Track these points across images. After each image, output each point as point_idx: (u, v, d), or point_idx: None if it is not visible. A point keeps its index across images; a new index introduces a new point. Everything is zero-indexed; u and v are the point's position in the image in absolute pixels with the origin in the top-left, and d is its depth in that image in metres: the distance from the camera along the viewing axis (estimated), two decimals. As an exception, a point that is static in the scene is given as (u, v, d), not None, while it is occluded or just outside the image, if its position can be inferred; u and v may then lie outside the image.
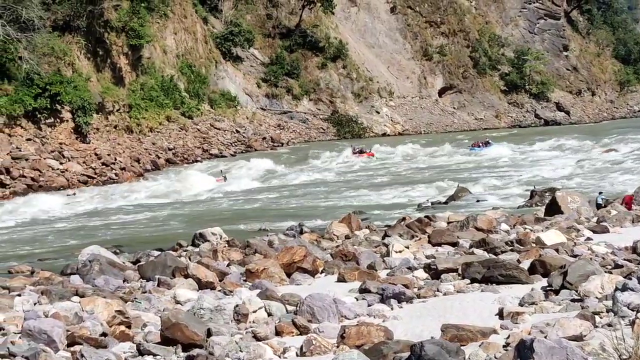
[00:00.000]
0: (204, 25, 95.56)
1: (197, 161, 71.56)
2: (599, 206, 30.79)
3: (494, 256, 19.98)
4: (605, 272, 16.17)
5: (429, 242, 23.51)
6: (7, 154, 53.80)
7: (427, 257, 21.10)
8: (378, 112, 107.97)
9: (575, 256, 18.88)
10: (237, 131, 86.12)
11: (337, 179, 56.29)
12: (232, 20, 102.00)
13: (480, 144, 73.63)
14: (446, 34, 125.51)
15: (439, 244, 23.01)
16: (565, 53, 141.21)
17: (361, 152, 71.44)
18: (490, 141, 74.83)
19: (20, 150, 54.97)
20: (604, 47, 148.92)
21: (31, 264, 25.91)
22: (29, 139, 56.94)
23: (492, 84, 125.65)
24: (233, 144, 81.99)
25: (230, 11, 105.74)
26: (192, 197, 48.89)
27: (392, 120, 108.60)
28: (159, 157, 68.57)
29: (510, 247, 21.54)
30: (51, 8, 64.38)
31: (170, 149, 71.94)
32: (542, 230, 23.73)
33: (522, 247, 21.26)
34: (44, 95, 58.03)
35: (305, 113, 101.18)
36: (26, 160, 54.15)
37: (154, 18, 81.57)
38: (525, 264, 18.16)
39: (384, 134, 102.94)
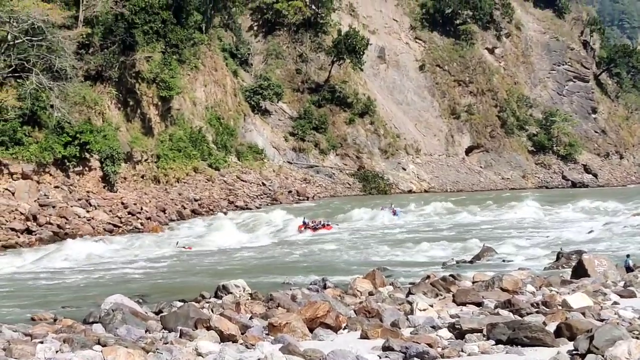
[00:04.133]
0: (233, 78, 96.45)
1: (222, 213, 71.58)
2: (628, 269, 30.44)
3: (519, 317, 19.74)
4: (633, 337, 15.91)
5: (454, 301, 23.27)
6: (35, 201, 54.19)
7: (452, 316, 20.86)
8: (404, 169, 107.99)
9: (602, 320, 18.62)
10: (263, 184, 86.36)
11: (359, 235, 56.07)
12: (261, 74, 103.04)
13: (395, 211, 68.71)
14: (474, 93, 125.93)
15: (464, 304, 22.77)
16: (593, 115, 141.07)
17: (315, 227, 58.16)
18: (396, 210, 69.66)
19: (47, 198, 55.33)
20: (633, 111, 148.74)
21: (54, 311, 25.91)
22: (56, 187, 57.33)
23: (519, 144, 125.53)
24: (259, 197, 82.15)
25: (260, 65, 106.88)
26: (215, 248, 48.85)
27: (418, 177, 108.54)
28: (184, 208, 68.77)
29: (536, 309, 21.26)
30: (84, 58, 65.27)
31: (196, 200, 72.16)
32: (569, 293, 23.46)
33: (548, 310, 20.99)
34: (74, 143, 58.59)
35: (331, 168, 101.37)
36: (53, 207, 54.48)
37: (184, 70, 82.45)
38: (551, 327, 17.90)
39: (410, 191, 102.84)
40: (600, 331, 15.39)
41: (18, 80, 56.64)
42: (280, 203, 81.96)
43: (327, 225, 59.26)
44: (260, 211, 72.74)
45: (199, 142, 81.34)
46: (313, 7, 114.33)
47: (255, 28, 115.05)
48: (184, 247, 48.47)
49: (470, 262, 39.28)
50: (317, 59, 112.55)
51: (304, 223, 58.68)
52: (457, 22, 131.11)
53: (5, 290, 33.39)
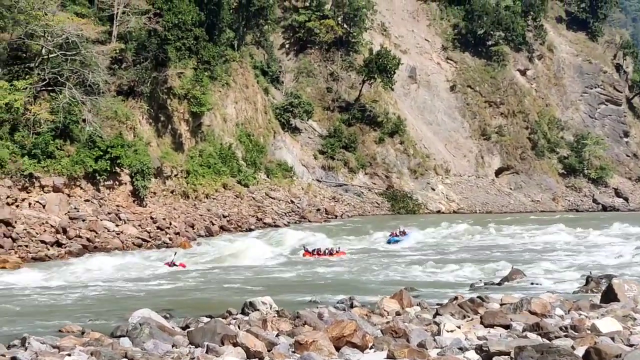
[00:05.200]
0: (264, 95, 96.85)
1: (250, 230, 71.73)
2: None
3: (547, 341, 19.54)
4: (663, 363, 15.71)
5: (481, 323, 23.09)
6: (65, 214, 54.60)
7: (479, 338, 20.72)
8: (433, 189, 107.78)
9: (631, 345, 18.41)
10: (292, 201, 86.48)
11: (387, 255, 55.91)
12: (292, 92, 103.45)
13: (399, 234, 65.35)
14: (505, 115, 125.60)
15: (492, 326, 22.59)
16: (625, 139, 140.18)
17: (319, 253, 54.74)
18: (406, 230, 66.91)
19: (78, 211, 55.73)
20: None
21: (82, 324, 26.02)
22: (87, 200, 57.74)
23: (550, 167, 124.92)
24: (287, 214, 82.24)
25: (291, 83, 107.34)
26: (244, 264, 48.89)
27: (447, 198, 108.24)
28: (213, 224, 68.98)
29: (565, 333, 21.04)
30: (117, 73, 65.85)
31: (224, 216, 72.38)
32: (598, 317, 23.22)
33: (576, 334, 20.77)
34: (105, 157, 59.02)
35: (360, 187, 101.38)
36: (83, 220, 54.86)
37: (216, 87, 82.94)
38: (580, 351, 17.71)
39: (439, 212, 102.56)
40: (629, 356, 15.24)
41: (51, 94, 57.24)
42: (309, 221, 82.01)
43: (337, 252, 55.04)
44: (288, 229, 72.78)
45: (229, 158, 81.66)
46: (345, 26, 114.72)
47: (287, 46, 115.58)
48: (175, 265, 46.25)
49: (499, 284, 39.02)
50: (348, 77, 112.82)
51: (306, 250, 55.66)
52: (489, 43, 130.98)
53: (34, 302, 33.61)
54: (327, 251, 54.96)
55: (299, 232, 67.44)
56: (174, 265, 45.97)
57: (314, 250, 55.40)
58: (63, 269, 44.26)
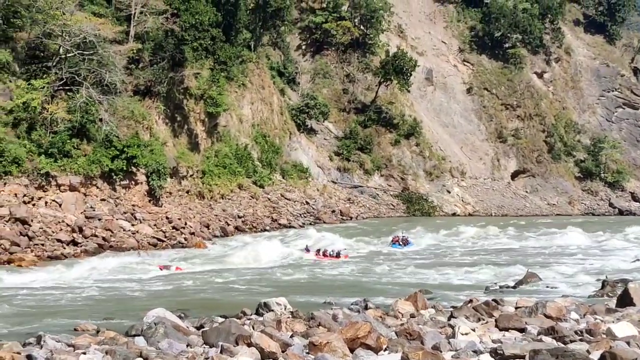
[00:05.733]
0: (280, 96, 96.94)
1: (265, 230, 71.80)
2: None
3: (562, 345, 19.48)
4: (679, 368, 15.63)
5: (496, 326, 23.03)
6: (81, 213, 54.81)
7: (494, 341, 20.66)
8: (449, 192, 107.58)
9: (647, 350, 18.28)
10: (307, 203, 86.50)
11: (400, 257, 55.84)
12: (308, 93, 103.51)
13: (401, 242, 63.23)
14: (522, 117, 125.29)
15: (506, 329, 22.52)
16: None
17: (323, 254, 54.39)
18: (409, 239, 64.59)
19: (94, 210, 55.94)
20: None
21: (97, 323, 26.10)
22: (103, 199, 57.95)
23: (566, 170, 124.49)
24: (302, 215, 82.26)
25: (307, 84, 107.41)
26: (259, 265, 48.93)
27: (463, 200, 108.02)
28: (228, 224, 69.08)
29: (580, 337, 20.96)
30: (134, 73, 66.05)
31: (239, 217, 72.47)
32: (613, 322, 23.10)
33: (592, 338, 20.69)
34: (121, 157, 59.23)
35: (375, 188, 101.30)
36: (99, 220, 55.04)
37: (232, 87, 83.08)
38: (595, 355, 17.64)
39: (454, 214, 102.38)
40: (645, 361, 15.15)
41: (68, 93, 57.47)
42: (324, 222, 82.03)
43: (338, 255, 53.97)
44: (303, 230, 72.85)
45: (245, 159, 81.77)
46: (362, 27, 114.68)
47: (303, 47, 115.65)
48: (166, 267, 45.11)
49: (514, 287, 38.91)
50: (364, 79, 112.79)
51: (307, 250, 55.39)
52: (506, 45, 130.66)
53: (49, 300, 33.75)
54: (332, 253, 54.44)
55: (325, 232, 67.43)
56: (167, 268, 44.61)
57: (318, 251, 55.08)
58: (79, 268, 44.39)
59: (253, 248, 55.68)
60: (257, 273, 45.26)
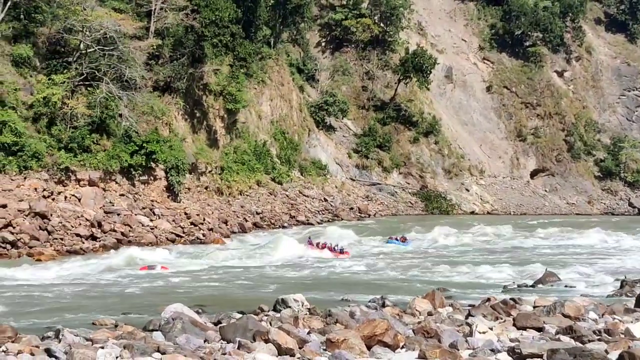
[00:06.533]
0: (300, 93, 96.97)
1: (283, 227, 71.86)
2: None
3: (580, 344, 19.42)
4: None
5: (514, 325, 22.99)
6: (100, 208, 55.06)
7: (512, 340, 20.63)
8: (468, 190, 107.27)
9: (666, 351, 18.17)
10: (325, 200, 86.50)
11: (419, 254, 55.76)
12: (327, 90, 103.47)
13: (398, 238, 62.28)
14: (541, 116, 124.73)
15: (524, 328, 22.48)
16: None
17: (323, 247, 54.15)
18: (407, 237, 63.52)
19: (113, 205, 56.17)
20: None
21: (115, 318, 26.22)
22: (122, 195, 58.16)
23: (586, 169, 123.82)
24: (320, 212, 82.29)
25: (326, 81, 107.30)
26: (277, 261, 48.96)
27: (481, 199, 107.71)
28: (246, 220, 69.20)
29: (598, 337, 20.90)
30: (153, 69, 66.26)
31: (258, 213, 72.57)
32: (632, 322, 23.03)
33: (610, 338, 20.62)
34: (140, 152, 59.44)
35: (394, 186, 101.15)
36: (118, 215, 55.27)
37: (251, 84, 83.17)
38: (613, 355, 17.58)
39: (472, 213, 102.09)
40: (664, 362, 15.08)
41: (89, 88, 57.74)
42: (342, 219, 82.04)
43: (342, 251, 53.90)
44: (321, 227, 72.88)
45: (263, 155, 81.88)
46: (382, 25, 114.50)
47: (323, 44, 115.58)
48: (151, 267, 43.29)
49: (532, 286, 38.78)
50: (384, 76, 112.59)
51: (310, 242, 54.98)
52: (527, 44, 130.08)
53: (68, 295, 33.92)
54: (336, 247, 54.27)
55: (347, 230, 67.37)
56: (152, 268, 43.06)
57: (318, 244, 54.65)
58: (97, 263, 44.59)
59: (271, 243, 55.76)
60: (273, 269, 45.32)
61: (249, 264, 47.40)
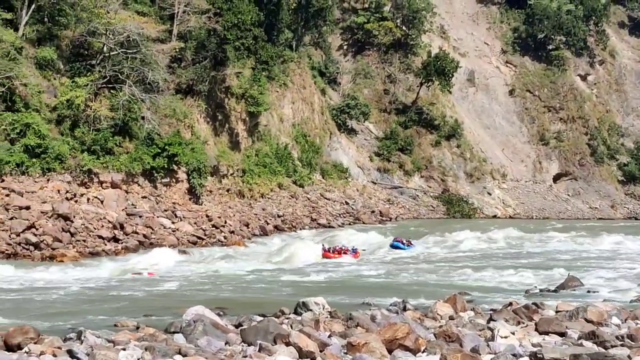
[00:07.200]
0: (321, 96, 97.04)
1: (304, 230, 71.88)
2: None
3: (603, 350, 19.30)
4: None
5: (536, 329, 22.88)
6: (123, 210, 55.28)
7: (534, 345, 20.52)
8: (490, 194, 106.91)
9: (689, 357, 18.05)
10: (347, 203, 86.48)
11: (441, 258, 55.61)
12: (349, 94, 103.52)
13: (404, 242, 61.44)
14: (564, 120, 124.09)
15: (546, 333, 22.36)
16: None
17: (339, 252, 53.79)
18: (412, 242, 62.61)
19: (135, 207, 56.40)
20: None
21: (136, 319, 26.30)
22: (144, 197, 58.40)
23: (609, 174, 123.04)
24: (341, 215, 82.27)
25: (348, 84, 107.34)
26: (298, 265, 48.96)
27: (503, 202, 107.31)
28: (267, 223, 69.29)
29: (621, 342, 20.76)
30: (176, 72, 66.51)
31: (279, 216, 72.65)
32: (656, 327, 22.85)
33: (633, 343, 20.48)
34: (162, 155, 59.68)
35: (415, 189, 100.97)
36: (140, 217, 55.47)
37: (273, 87, 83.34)
38: (637, 361, 17.46)
39: (495, 216, 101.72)
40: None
41: (112, 91, 58.06)
42: (363, 223, 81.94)
43: (355, 251, 54.45)
44: (342, 230, 72.84)
45: (285, 158, 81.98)
46: (404, 28, 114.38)
47: (345, 47, 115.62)
48: (138, 273, 42.47)
49: (554, 291, 38.55)
50: (406, 80, 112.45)
51: (326, 250, 53.77)
52: (550, 47, 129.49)
53: (90, 296, 34.07)
54: (351, 249, 54.40)
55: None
56: (139, 274, 42.30)
57: (331, 249, 54.11)
58: (119, 264, 44.77)
59: (290, 247, 55.75)
60: (293, 273, 45.31)
61: (268, 267, 47.42)
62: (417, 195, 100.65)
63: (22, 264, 43.54)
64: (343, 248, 54.79)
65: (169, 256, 48.37)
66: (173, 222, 57.99)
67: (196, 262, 48.72)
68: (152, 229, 55.00)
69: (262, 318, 24.16)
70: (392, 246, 60.71)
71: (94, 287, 36.66)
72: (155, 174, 60.11)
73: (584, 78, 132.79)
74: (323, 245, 55.31)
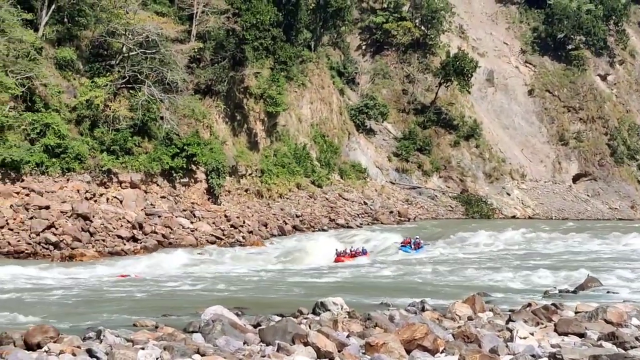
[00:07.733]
0: (340, 96, 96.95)
1: (323, 230, 71.89)
2: None
3: (623, 351, 19.20)
4: None
5: (555, 330, 22.77)
6: (142, 210, 55.47)
7: (553, 345, 20.43)
8: (509, 194, 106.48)
9: None
10: (365, 203, 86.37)
11: (459, 259, 55.48)
12: (368, 94, 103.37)
13: (412, 245, 60.27)
14: (584, 120, 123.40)
15: (566, 334, 22.26)
16: None
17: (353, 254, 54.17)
18: (421, 243, 61.55)
19: (154, 207, 56.57)
20: None
21: (155, 319, 26.38)
22: (163, 197, 58.55)
23: (629, 174, 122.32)
24: (360, 216, 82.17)
25: (366, 84, 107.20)
26: (316, 264, 49.00)
27: (522, 203, 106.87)
28: (286, 223, 69.32)
29: (641, 343, 20.65)
30: (195, 72, 66.63)
31: (297, 216, 72.67)
32: (676, 329, 22.71)
33: (653, 344, 20.36)
34: (181, 155, 59.83)
35: (434, 190, 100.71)
36: (159, 217, 55.65)
37: (291, 87, 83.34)
38: (657, 363, 17.35)
39: (514, 217, 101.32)
40: None
41: (131, 91, 58.27)
42: (382, 223, 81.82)
43: (365, 252, 55.22)
44: (361, 230, 72.81)
45: (303, 158, 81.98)
46: (422, 28, 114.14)
47: (363, 47, 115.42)
48: (124, 275, 41.58)
49: (574, 292, 38.39)
50: (424, 80, 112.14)
51: (339, 255, 53.38)
52: (569, 47, 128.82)
53: (109, 295, 34.21)
54: (362, 250, 55.09)
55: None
56: (127, 275, 41.77)
57: (342, 252, 53.83)
58: (138, 264, 44.93)
59: (309, 246, 55.81)
60: (311, 272, 45.33)
61: (286, 268, 47.47)
62: (436, 196, 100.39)
63: (42, 263, 43.78)
64: (356, 250, 54.90)
65: (186, 256, 48.60)
66: (192, 222, 58.14)
67: (214, 262, 48.83)
68: (171, 229, 55.18)
69: (280, 318, 24.18)
70: (401, 249, 60.31)
71: (113, 286, 36.78)
72: (174, 174, 60.26)
73: (603, 78, 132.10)
74: (336, 250, 54.69)
